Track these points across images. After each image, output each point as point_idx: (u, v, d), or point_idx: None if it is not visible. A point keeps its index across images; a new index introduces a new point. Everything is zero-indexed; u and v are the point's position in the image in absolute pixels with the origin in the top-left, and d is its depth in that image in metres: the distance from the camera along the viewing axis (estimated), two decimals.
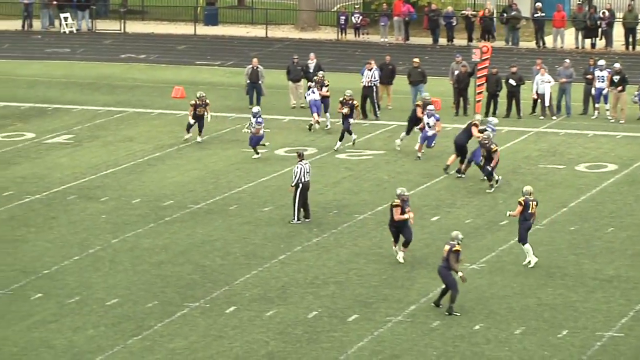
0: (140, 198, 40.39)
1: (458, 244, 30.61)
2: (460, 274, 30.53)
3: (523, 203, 33.61)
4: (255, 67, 52.32)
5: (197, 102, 46.52)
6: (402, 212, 33.92)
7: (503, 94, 51.11)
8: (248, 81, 52.42)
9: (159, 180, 42.09)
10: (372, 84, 50.73)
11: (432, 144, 44.40)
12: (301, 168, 37.75)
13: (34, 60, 62.11)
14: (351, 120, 46.14)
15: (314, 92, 48.70)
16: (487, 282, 33.09)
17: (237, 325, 30.70)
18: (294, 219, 37.71)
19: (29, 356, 28.97)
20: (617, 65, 50.51)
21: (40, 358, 28.88)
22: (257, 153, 44.91)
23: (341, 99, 46.18)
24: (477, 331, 30.07)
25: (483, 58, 51.25)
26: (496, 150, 39.95)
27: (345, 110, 45.83)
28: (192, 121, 46.65)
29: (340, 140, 46.09)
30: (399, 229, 34.27)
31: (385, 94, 52.57)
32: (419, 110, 45.19)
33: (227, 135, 48.47)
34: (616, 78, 49.55)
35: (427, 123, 43.84)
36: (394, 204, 34.03)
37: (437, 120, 44.08)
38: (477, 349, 29.19)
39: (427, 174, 42.85)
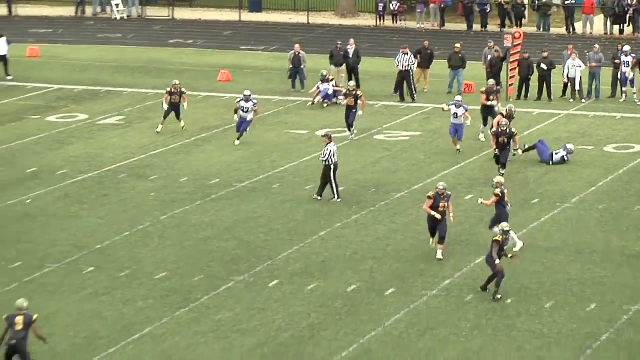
0: (188, 177, 40.50)
1: (502, 233, 30.37)
2: (510, 256, 30.37)
3: (500, 194, 33.39)
4: (297, 53, 52.35)
5: (172, 90, 45.50)
6: (434, 207, 33.01)
7: (534, 78, 51.00)
8: (291, 66, 52.48)
9: (206, 160, 42.19)
10: (410, 68, 50.72)
11: (462, 137, 43.37)
12: (330, 150, 37.87)
13: (86, 45, 62.27)
14: (359, 113, 44.94)
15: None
16: (522, 258, 33.04)
17: (280, 298, 30.78)
18: (334, 197, 37.75)
19: (82, 327, 29.09)
20: None
21: (93, 329, 29.00)
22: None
23: (345, 90, 45.82)
24: (509, 305, 30.06)
25: (515, 44, 51.18)
26: (516, 134, 39.83)
27: (349, 100, 44.69)
28: (166, 107, 45.71)
29: (350, 128, 45.23)
30: (435, 223, 33.41)
31: (422, 77, 52.53)
32: (482, 98, 45.02)
33: (270, 117, 48.50)
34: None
35: (455, 113, 42.38)
36: (428, 195, 33.53)
37: (466, 110, 42.52)
38: (509, 322, 29.19)
39: (461, 154, 42.79)
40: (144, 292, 31.25)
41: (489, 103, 44.55)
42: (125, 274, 32.46)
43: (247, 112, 43.76)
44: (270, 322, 29.28)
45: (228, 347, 28.13)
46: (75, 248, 34.19)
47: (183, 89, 45.46)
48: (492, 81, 46.82)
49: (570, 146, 42.06)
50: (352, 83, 46.04)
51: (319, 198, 37.94)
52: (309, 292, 31.10)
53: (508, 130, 39.21)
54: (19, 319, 25.43)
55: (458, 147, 43.04)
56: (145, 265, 33.05)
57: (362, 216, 36.61)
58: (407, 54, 50.68)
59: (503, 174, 38.19)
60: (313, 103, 49.61)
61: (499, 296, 30.07)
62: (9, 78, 53.84)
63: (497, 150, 39.60)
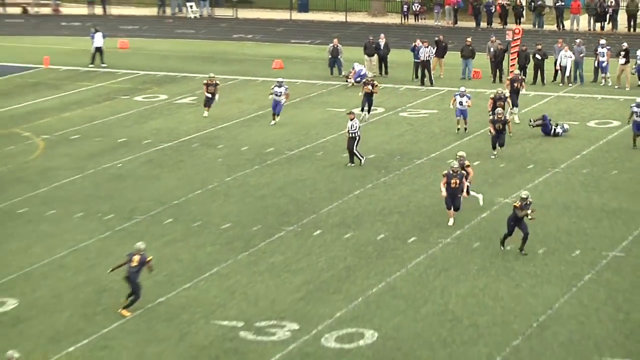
0: (248, 146, 40.52)
1: (520, 200, 29.48)
2: (529, 216, 29.89)
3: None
4: (335, 46, 52.34)
5: (208, 82, 44.26)
6: (447, 184, 31.87)
7: (530, 66, 50.81)
8: (330, 56, 52.48)
9: (262, 132, 42.20)
10: (429, 58, 50.70)
11: (467, 118, 41.79)
12: (351, 124, 37.80)
13: (166, 39, 62.36)
14: (373, 96, 44.06)
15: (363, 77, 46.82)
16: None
17: (322, 244, 30.81)
18: (361, 160, 37.88)
19: (163, 267, 29.19)
20: (624, 45, 50.03)
21: (171, 268, 29.12)
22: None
23: (364, 80, 45.10)
24: (508, 251, 30.01)
25: (515, 38, 51.08)
26: (509, 121, 39.15)
27: (368, 87, 43.77)
28: (209, 95, 44.40)
29: (369, 111, 44.27)
30: (453, 197, 32.28)
31: (438, 65, 52.41)
32: (507, 83, 44.68)
33: (315, 97, 48.47)
34: (622, 54, 49.18)
35: (460, 102, 41.07)
36: (443, 173, 32.70)
37: (469, 99, 41.39)
38: (509, 265, 29.15)
39: (470, 129, 42.67)
40: (212, 239, 31.36)
41: (513, 88, 43.87)
42: (197, 224, 32.55)
43: (279, 95, 42.92)
44: (314, 264, 29.33)
45: (280, 283, 28.19)
46: (157, 203, 34.32)
47: (217, 81, 44.63)
48: (517, 71, 46.80)
49: (566, 126, 42.00)
50: (371, 74, 45.74)
51: (352, 164, 37.91)
52: (346, 240, 31.11)
53: (503, 118, 38.41)
54: (136, 258, 26.25)
55: (463, 126, 41.95)
56: (213, 217, 33.14)
57: (389, 178, 36.58)
58: (428, 46, 50.64)
59: (496, 155, 38.71)
60: (352, 84, 49.62)
61: (525, 253, 29.72)
62: (103, 65, 54.01)
63: (494, 133, 38.72)
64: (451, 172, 32.12)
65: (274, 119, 43.11)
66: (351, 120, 37.96)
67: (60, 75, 52.80)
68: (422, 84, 50.54)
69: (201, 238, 31.46)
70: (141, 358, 24.30)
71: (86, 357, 24.16)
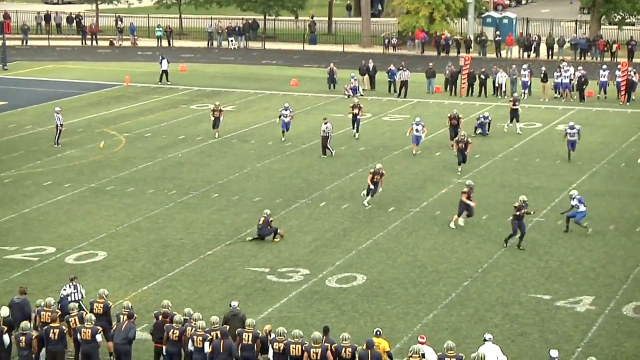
0: (272, 141, 40.38)
1: (522, 202, 27.39)
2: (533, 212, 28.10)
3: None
4: (332, 68, 52.01)
5: (214, 109, 40.74)
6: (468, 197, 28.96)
7: (477, 83, 50.46)
8: (328, 76, 52.10)
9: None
10: (407, 78, 50.38)
11: (419, 143, 37.28)
12: (326, 126, 37.25)
13: (213, 64, 62.17)
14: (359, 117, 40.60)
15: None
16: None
17: (326, 212, 30.74)
18: (331, 154, 37.40)
19: (210, 229, 29.15)
20: (543, 69, 49.77)
21: (217, 230, 29.05)
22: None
23: (351, 105, 41.56)
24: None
25: (466, 63, 50.79)
26: (470, 142, 35.40)
27: (355, 110, 40.34)
28: (212, 118, 40.63)
29: (357, 130, 40.58)
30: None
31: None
32: (510, 104, 41.85)
33: (321, 106, 48.18)
34: (543, 75, 48.89)
35: (417, 129, 36.90)
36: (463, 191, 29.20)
37: (423, 127, 37.18)
38: (461, 228, 29.08)
39: (431, 126, 42.55)
40: (247, 208, 31.29)
41: (514, 107, 41.39)
42: (236, 198, 32.50)
43: (287, 117, 39.87)
44: (320, 227, 29.28)
45: (296, 241, 28.16)
46: (207, 182, 34.24)
47: (222, 108, 41.24)
48: (516, 94, 44.80)
49: (486, 114, 41.80)
50: (356, 100, 42.78)
51: (324, 157, 37.31)
52: (343, 209, 31.04)
53: (465, 139, 35.10)
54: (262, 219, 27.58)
55: (414, 152, 37.35)
56: (247, 193, 33.08)
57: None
58: (405, 69, 50.25)
59: (460, 170, 34.99)
60: (349, 96, 49.33)
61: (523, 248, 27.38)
62: (168, 83, 53.90)
63: (457, 152, 35.03)
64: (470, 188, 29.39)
65: (283, 136, 40.05)
66: (325, 123, 37.49)
67: (137, 90, 52.71)
68: (399, 96, 50.27)
69: (239, 208, 31.41)
70: (195, 294, 24.30)
71: (156, 294, 24.16)
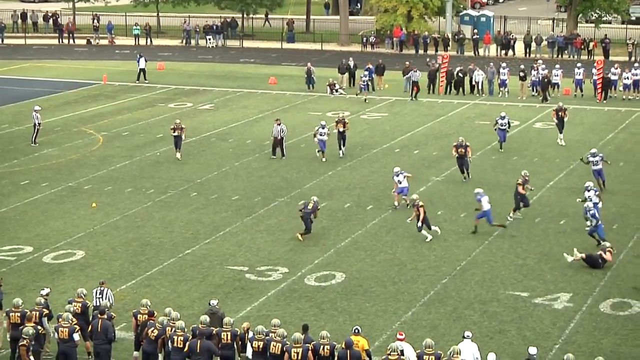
0: (251, 140, 40.35)
1: (523, 177, 28.71)
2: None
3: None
4: (309, 68, 51.93)
5: (174, 127, 36.71)
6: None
7: (455, 81, 50.59)
8: (305, 75, 52.01)
9: (261, 130, 41.90)
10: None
11: (406, 194, 30.76)
12: (280, 128, 36.89)
13: (191, 62, 62.03)
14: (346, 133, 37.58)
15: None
16: (446, 188, 32.89)
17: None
18: (284, 155, 37.06)
19: (189, 228, 29.12)
20: (522, 66, 49.99)
21: (195, 229, 29.02)
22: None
23: (336, 120, 38.07)
24: (438, 215, 30.01)
25: (444, 61, 50.90)
26: (469, 146, 33.54)
27: (340, 125, 37.44)
28: (175, 135, 36.68)
29: (344, 145, 37.47)
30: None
31: (379, 81, 51.90)
32: (553, 114, 39.38)
33: (299, 104, 48.15)
34: (522, 74, 49.03)
35: (399, 180, 30.60)
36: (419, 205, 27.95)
37: (405, 176, 30.81)
38: (439, 225, 29.14)
39: (414, 124, 42.67)
40: (225, 207, 31.28)
41: (558, 117, 38.90)
42: (215, 196, 32.46)
43: (323, 135, 36.26)
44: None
45: (275, 239, 28.16)
46: (185, 181, 34.18)
47: (182, 125, 36.98)
48: (560, 103, 40.83)
49: (503, 113, 39.12)
50: (341, 114, 39.72)
51: (274, 157, 37.02)
52: (322, 208, 30.97)
53: (464, 143, 33.28)
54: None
55: (396, 203, 31.00)
56: (226, 191, 33.05)
57: (353, 163, 36.50)
58: (416, 70, 49.17)
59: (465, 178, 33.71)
60: (336, 90, 49.48)
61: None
62: (146, 82, 53.73)
63: (457, 157, 33.43)
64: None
65: (323, 156, 36.71)
66: (278, 125, 37.11)
67: (114, 88, 52.52)
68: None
69: (217, 206, 31.37)
70: (174, 293, 24.25)
71: (135, 293, 24.09)
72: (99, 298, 21.30)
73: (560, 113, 39.06)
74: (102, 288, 21.45)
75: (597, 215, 27.24)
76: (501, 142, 37.92)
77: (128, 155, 37.94)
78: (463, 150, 33.30)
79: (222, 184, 33.93)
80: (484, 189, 32.25)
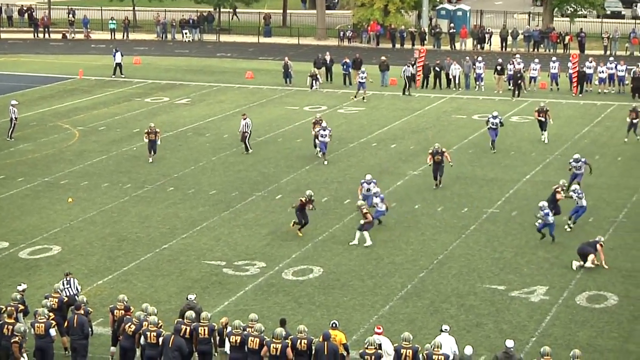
0: (228, 134, 40.23)
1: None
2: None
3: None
4: (286, 62, 51.76)
5: (149, 131, 35.58)
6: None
7: (432, 75, 50.62)
8: (283, 70, 51.87)
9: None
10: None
11: (380, 217, 28.44)
12: (245, 123, 36.90)
13: (168, 57, 61.78)
14: (327, 140, 35.68)
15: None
16: (423, 182, 32.95)
17: (282, 205, 30.73)
18: (249, 150, 36.93)
19: (167, 222, 29.05)
20: (499, 60, 50.14)
21: (172, 223, 28.96)
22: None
23: (314, 121, 37.00)
24: (416, 209, 30.09)
25: (420, 55, 50.91)
26: (445, 151, 32.40)
27: (317, 127, 36.12)
28: (146, 140, 35.73)
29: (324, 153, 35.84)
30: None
31: (356, 75, 51.77)
32: (535, 114, 38.55)
33: (276, 99, 48.08)
34: (499, 67, 49.10)
35: (376, 203, 28.38)
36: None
37: (382, 200, 28.51)
38: (416, 219, 29.23)
39: (391, 118, 42.71)
40: (203, 202, 31.21)
41: (541, 118, 38.20)
42: (192, 191, 32.38)
43: (325, 137, 35.08)
44: (277, 220, 29.27)
45: (253, 234, 28.13)
46: (162, 176, 34.06)
47: (157, 130, 35.90)
48: (543, 103, 40.15)
49: (495, 113, 39.16)
50: (318, 115, 37.79)
51: (247, 152, 36.90)
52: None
53: (440, 150, 31.97)
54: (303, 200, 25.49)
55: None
56: (203, 186, 32.97)
57: (330, 157, 36.38)
58: (410, 65, 49.11)
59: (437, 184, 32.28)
60: (316, 89, 49.34)
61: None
62: (122, 76, 53.47)
63: (432, 165, 31.98)
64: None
65: (324, 158, 35.51)
66: (244, 119, 37.06)
67: (90, 83, 52.25)
68: (404, 93, 50.02)
69: (194, 201, 31.29)
70: (151, 288, 24.18)
71: (111, 288, 24.01)
72: (67, 288, 21.42)
73: (541, 114, 38.11)
74: (68, 278, 21.64)
75: (549, 219, 26.73)
76: (493, 141, 36.96)
77: (104, 150, 37.77)
78: (440, 158, 31.69)
79: (199, 179, 33.84)
80: (460, 183, 32.39)
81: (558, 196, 28.35)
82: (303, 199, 27.89)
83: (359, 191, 29.66)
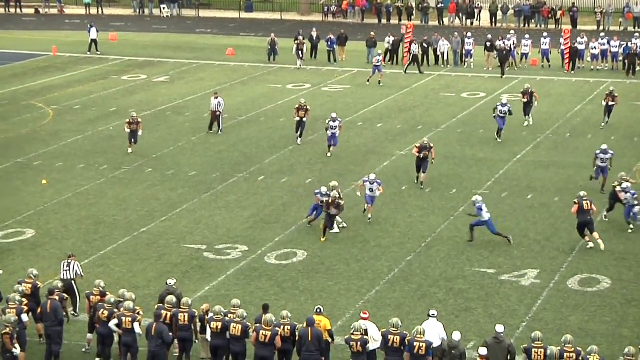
0: (208, 113, 39.96)
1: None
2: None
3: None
4: (273, 39, 51.61)
5: (130, 120, 34.20)
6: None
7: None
8: (269, 47, 51.70)
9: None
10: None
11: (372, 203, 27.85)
12: (217, 102, 36.41)
13: (145, 33, 61.49)
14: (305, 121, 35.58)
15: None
16: (411, 162, 32.96)
17: (265, 187, 30.73)
18: (220, 130, 36.79)
19: (145, 205, 29.01)
20: (489, 36, 50.07)
21: (151, 206, 28.92)
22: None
23: (297, 106, 35.77)
24: (403, 191, 30.13)
25: (407, 31, 50.82)
26: (432, 147, 31.18)
27: (301, 112, 35.43)
28: (127, 130, 34.23)
29: (301, 135, 35.68)
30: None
31: (341, 52, 51.83)
32: (521, 96, 37.62)
33: (258, 77, 47.99)
34: (488, 44, 49.07)
35: (371, 188, 27.51)
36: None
37: (380, 185, 27.77)
38: (404, 200, 29.24)
39: (377, 96, 42.69)
40: (182, 183, 31.15)
41: (525, 100, 37.12)
42: (171, 172, 32.30)
43: (334, 129, 33.67)
44: (259, 202, 29.27)
45: (234, 216, 28.11)
46: (140, 157, 33.95)
47: (139, 119, 34.62)
48: (527, 85, 38.44)
49: (504, 100, 37.35)
50: (303, 100, 36.07)
51: (211, 132, 36.77)
52: (282, 183, 31.04)
53: (428, 145, 30.57)
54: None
55: (369, 215, 27.83)
56: (183, 167, 32.90)
57: (314, 137, 36.37)
58: (416, 43, 48.73)
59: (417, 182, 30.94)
60: (300, 66, 49.08)
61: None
62: (98, 53, 53.21)
63: (419, 158, 30.45)
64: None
65: (329, 151, 34.12)
66: (215, 98, 36.74)
67: (65, 60, 51.97)
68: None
69: (174, 183, 31.23)
70: (130, 273, 24.14)
71: (88, 273, 23.92)
72: (66, 271, 21.40)
73: (526, 96, 37.31)
74: (69, 261, 21.57)
75: (482, 211, 25.83)
76: (500, 129, 35.40)
77: (80, 130, 37.62)
78: (427, 153, 30.22)
79: (178, 160, 33.75)
80: (449, 163, 32.41)
81: (620, 194, 26.90)
82: (327, 200, 26.33)
83: (359, 187, 28.21)
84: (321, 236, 26.14)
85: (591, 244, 25.46)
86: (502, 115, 35.22)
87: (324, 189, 26.83)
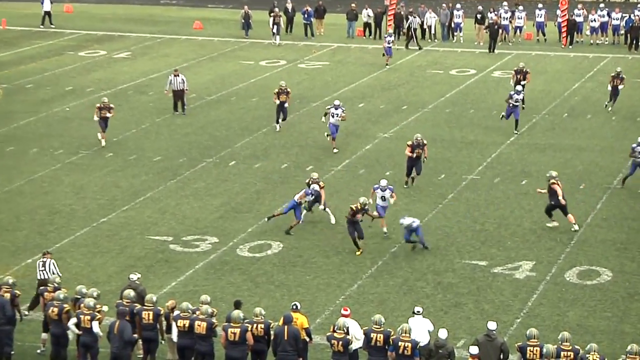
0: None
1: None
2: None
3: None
4: (246, 12, 51.45)
5: (102, 106, 33.16)
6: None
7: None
8: (242, 21, 51.58)
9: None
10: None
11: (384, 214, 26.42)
12: (181, 79, 36.38)
13: (105, 4, 61.24)
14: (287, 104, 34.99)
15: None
16: (395, 145, 32.98)
17: (236, 173, 30.71)
18: (184, 110, 36.84)
19: (105, 193, 28.95)
20: (480, 7, 50.16)
21: (112, 194, 28.86)
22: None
23: (277, 90, 34.82)
24: (387, 176, 30.17)
25: (391, 3, 50.84)
26: (426, 144, 34.27)
27: (282, 96, 34.52)
28: (96, 119, 33.14)
29: (284, 119, 35.28)
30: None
31: (319, 25, 51.80)
32: (512, 76, 37.52)
33: (229, 52, 47.93)
34: (479, 16, 49.14)
35: (383, 197, 26.10)
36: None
37: (392, 191, 26.28)
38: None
39: (359, 74, 42.70)
40: (146, 169, 31.10)
41: (517, 87, 35.15)
42: (133, 157, 32.23)
43: (336, 117, 32.42)
44: (230, 189, 29.25)
45: (203, 205, 28.09)
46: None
47: (111, 105, 33.61)
48: (522, 64, 37.93)
49: (519, 87, 37.09)
50: (283, 84, 35.05)
51: (177, 112, 36.75)
52: (256, 169, 31.05)
53: (421, 142, 29.39)
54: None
55: (385, 230, 26.23)
56: (146, 151, 32.83)
57: (290, 117, 36.33)
58: (416, 16, 49.12)
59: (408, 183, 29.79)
60: (278, 44, 48.96)
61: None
62: (52, 26, 52.96)
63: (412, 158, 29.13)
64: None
65: (333, 144, 32.92)
66: (176, 76, 36.53)
67: (15, 34, 51.71)
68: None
69: (136, 169, 31.17)
70: (88, 267, 24.09)
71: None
72: (42, 271, 21.27)
73: (519, 76, 36.94)
74: (44, 259, 21.44)
75: (412, 224, 24.83)
76: (516, 120, 34.15)
77: (33, 111, 37.47)
78: (420, 151, 29.13)
79: (141, 143, 33.68)
80: (436, 146, 32.49)
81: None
82: (354, 207, 24.94)
83: (371, 197, 26.36)
84: (357, 251, 24.92)
85: (555, 223, 25.96)
86: (515, 104, 33.92)
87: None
